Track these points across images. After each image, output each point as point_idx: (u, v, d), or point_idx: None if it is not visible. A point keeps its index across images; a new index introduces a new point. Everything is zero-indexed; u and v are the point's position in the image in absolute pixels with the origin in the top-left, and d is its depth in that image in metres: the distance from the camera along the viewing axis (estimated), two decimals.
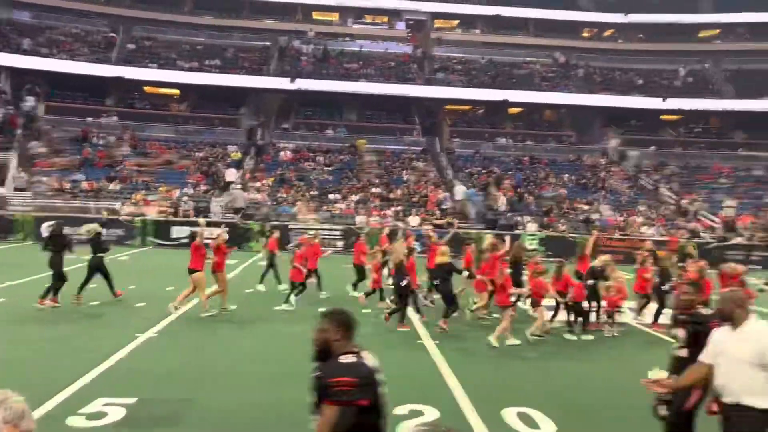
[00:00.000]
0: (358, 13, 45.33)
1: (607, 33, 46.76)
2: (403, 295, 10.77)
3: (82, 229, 19.52)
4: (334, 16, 45.56)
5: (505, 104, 38.29)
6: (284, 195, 27.02)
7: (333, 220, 25.09)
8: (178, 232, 23.34)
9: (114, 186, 26.63)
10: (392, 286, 11.36)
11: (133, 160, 29.25)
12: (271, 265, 14.37)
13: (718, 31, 45.69)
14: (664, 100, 36.84)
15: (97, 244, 12.28)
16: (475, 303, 12.00)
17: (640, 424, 5.60)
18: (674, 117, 39.68)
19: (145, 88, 37.09)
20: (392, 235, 15.63)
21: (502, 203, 26.70)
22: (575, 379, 8.25)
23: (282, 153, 32.04)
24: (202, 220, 14.60)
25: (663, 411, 4.83)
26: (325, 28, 43.31)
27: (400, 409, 6.45)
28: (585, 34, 46.57)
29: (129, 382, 7.28)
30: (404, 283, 10.69)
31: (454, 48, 42.71)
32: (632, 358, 9.45)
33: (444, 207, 26.90)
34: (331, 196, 27.39)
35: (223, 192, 26.89)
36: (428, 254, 13.18)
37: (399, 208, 26.12)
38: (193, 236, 14.89)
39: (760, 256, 23.56)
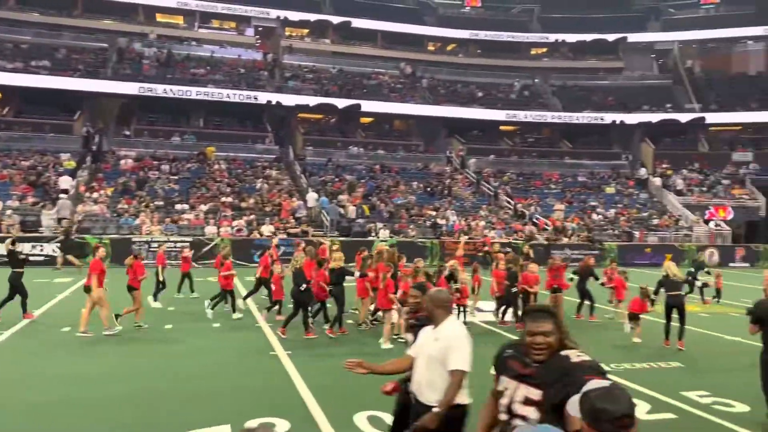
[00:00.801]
0: (205, 17, 44.03)
1: (450, 47, 49.49)
2: (301, 302, 10.72)
3: None
4: (179, 20, 43.84)
5: (357, 113, 39.06)
6: (126, 206, 25.36)
7: (180, 231, 23.99)
8: None
9: None
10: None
11: None
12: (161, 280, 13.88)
13: (545, 49, 50.15)
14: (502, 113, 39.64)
15: None
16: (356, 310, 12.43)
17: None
18: (511, 128, 42.82)
19: None
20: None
21: (351, 211, 27.08)
22: None
23: (123, 161, 30.06)
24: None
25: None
26: (169, 31, 41.52)
27: (251, 423, 6.30)
28: (430, 48, 48.92)
29: None
30: (303, 288, 10.68)
31: (305, 56, 42.84)
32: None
33: (298, 216, 26.78)
34: (178, 206, 26.16)
35: (56, 203, 24.67)
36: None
37: (251, 217, 25.58)
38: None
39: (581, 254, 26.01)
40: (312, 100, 36.77)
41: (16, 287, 11.78)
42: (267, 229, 24.37)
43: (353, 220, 26.82)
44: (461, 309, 12.09)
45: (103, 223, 23.81)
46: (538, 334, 2.94)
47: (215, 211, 25.97)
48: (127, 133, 34.38)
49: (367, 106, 38.09)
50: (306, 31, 47.10)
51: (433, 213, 29.17)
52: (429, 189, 32.78)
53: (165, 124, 35.60)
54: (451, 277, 12.08)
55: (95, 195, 25.89)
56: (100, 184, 27.33)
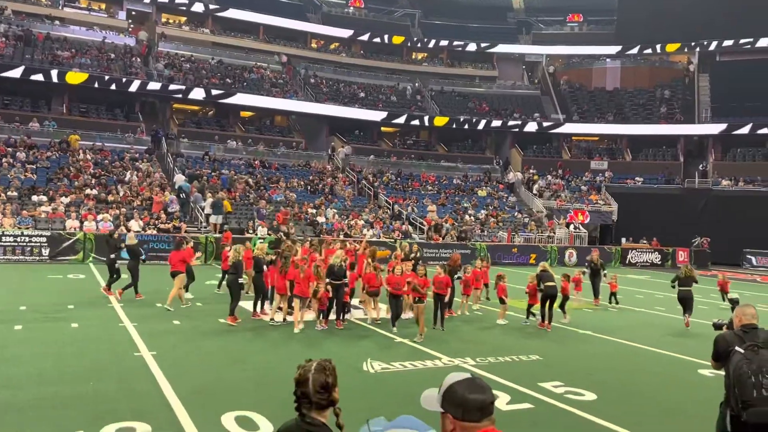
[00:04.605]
0: None
1: (333, 46, 49.55)
2: (236, 290, 11.95)
3: None
4: None
5: (237, 107, 38.03)
6: None
7: (37, 225, 22.13)
8: None
9: None
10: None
11: None
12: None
13: (425, 54, 51.65)
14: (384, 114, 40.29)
15: None
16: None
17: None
18: (391, 129, 43.66)
19: None
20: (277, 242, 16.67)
21: (209, 204, 26.03)
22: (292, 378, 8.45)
23: None
24: None
25: None
26: (29, 8, 38.15)
27: (108, 429, 5.95)
28: (313, 45, 48.68)
29: None
30: (241, 280, 12.11)
31: (182, 45, 41.10)
32: (342, 351, 10.09)
33: (171, 211, 25.60)
34: (34, 198, 24.10)
35: None
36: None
37: (119, 211, 24.10)
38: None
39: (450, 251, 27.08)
40: (188, 91, 35.31)
41: None
42: (136, 225, 23.09)
43: (229, 215, 26.07)
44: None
45: None
46: None
47: (78, 204, 24.21)
48: None
49: (248, 99, 37.22)
50: (184, 18, 45.17)
51: (313, 211, 29.08)
52: (309, 187, 32.63)
53: (22, 108, 32.66)
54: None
55: None
56: None
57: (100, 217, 23.19)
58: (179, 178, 28.63)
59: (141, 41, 39.27)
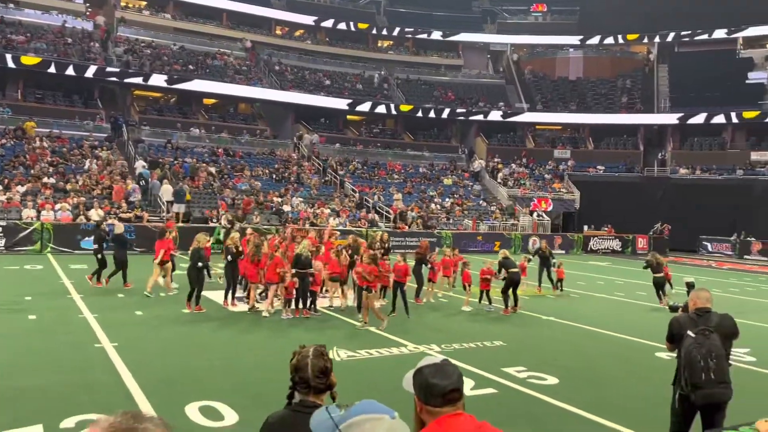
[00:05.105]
0: None
1: (298, 33, 49.01)
2: (193, 278, 11.93)
3: None
4: None
5: (200, 94, 37.38)
6: None
7: None
8: None
9: None
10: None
11: None
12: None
13: (391, 42, 51.51)
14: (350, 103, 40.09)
15: None
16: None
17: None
18: (357, 117, 43.49)
19: None
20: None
21: (166, 191, 25.63)
22: (261, 368, 8.44)
23: None
24: None
25: None
26: None
27: (68, 422, 5.85)
28: (278, 32, 48.07)
29: None
30: (199, 265, 11.97)
31: (142, 30, 40.11)
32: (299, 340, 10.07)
33: (132, 200, 25.10)
34: None
35: None
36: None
37: (78, 200, 23.51)
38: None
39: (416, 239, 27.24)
40: (148, 77, 34.53)
41: None
42: (96, 214, 22.58)
43: (191, 204, 25.69)
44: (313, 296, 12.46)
45: None
46: None
47: (35, 193, 23.54)
48: None
49: (211, 86, 36.58)
50: (144, 3, 44.10)
51: (279, 199, 28.85)
52: (275, 176, 32.35)
53: None
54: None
55: None
56: None
57: (58, 206, 22.60)
58: (139, 164, 28.11)
59: (99, 26, 38.19)
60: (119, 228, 15.14)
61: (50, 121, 30.67)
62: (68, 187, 24.80)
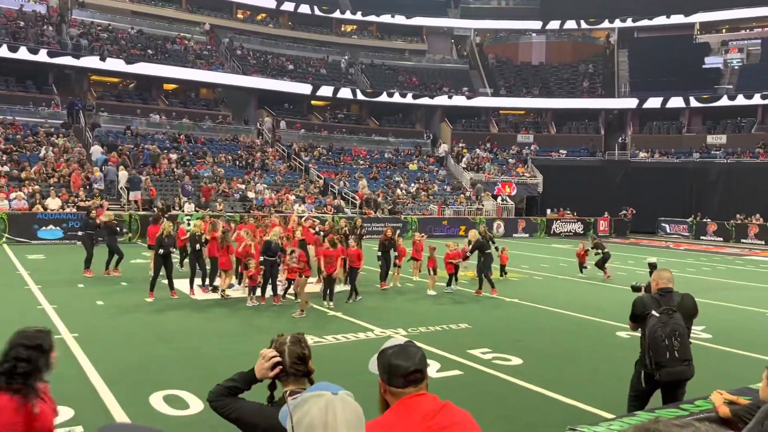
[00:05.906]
0: None
1: (260, 17, 48.20)
2: (158, 265, 12.03)
3: None
4: None
5: (159, 79, 36.54)
6: None
7: None
8: None
9: None
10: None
11: None
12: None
13: (355, 27, 51.05)
14: (314, 88, 39.70)
15: None
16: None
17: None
18: (322, 102, 43.12)
19: None
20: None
21: (123, 177, 25.09)
22: (226, 356, 8.35)
23: None
24: None
25: None
26: None
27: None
28: (239, 16, 47.18)
29: None
30: (161, 252, 11.81)
31: (98, 13, 38.94)
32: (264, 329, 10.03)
33: (98, 187, 24.48)
34: None
35: None
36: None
37: (34, 188, 22.83)
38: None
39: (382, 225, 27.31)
40: (107, 62, 33.60)
41: None
42: (54, 203, 21.98)
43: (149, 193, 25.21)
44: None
45: None
46: None
47: None
48: None
49: (171, 71, 35.79)
50: None
51: (242, 186, 28.51)
52: (238, 162, 31.92)
53: None
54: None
55: None
56: None
57: (12, 195, 21.91)
58: (96, 150, 27.36)
59: (51, 7, 36.93)
60: (108, 216, 15.38)
61: (3, 108, 29.64)
62: (23, 175, 24.06)
